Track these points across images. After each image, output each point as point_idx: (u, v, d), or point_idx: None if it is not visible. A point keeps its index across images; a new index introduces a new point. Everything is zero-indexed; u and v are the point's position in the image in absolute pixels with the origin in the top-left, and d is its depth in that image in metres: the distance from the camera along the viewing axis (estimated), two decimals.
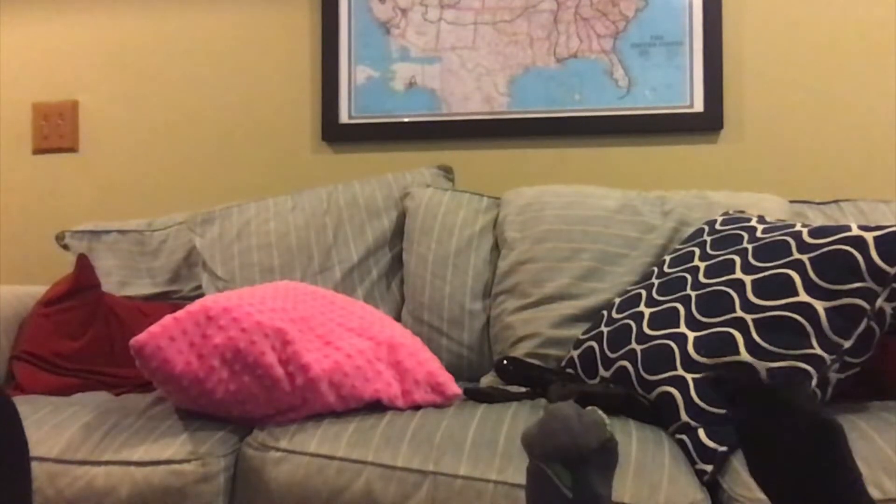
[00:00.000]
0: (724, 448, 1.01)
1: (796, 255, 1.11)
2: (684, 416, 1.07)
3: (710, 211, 1.50)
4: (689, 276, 1.25)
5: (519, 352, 1.45)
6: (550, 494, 0.67)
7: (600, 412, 0.70)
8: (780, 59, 1.83)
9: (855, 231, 1.08)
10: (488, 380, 1.46)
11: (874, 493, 0.91)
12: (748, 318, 1.09)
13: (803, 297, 1.06)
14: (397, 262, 1.69)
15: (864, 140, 1.80)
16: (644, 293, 1.32)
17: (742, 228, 1.28)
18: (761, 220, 1.31)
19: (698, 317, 1.15)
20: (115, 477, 1.05)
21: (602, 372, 1.28)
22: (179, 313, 1.11)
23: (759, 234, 1.23)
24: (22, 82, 2.14)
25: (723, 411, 1.04)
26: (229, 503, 1.08)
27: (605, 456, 0.70)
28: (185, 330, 1.09)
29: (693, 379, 1.09)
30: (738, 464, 0.99)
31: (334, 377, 1.11)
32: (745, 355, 1.06)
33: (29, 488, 0.86)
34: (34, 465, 1.01)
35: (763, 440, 0.73)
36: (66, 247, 1.84)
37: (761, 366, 1.05)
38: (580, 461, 0.67)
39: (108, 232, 1.84)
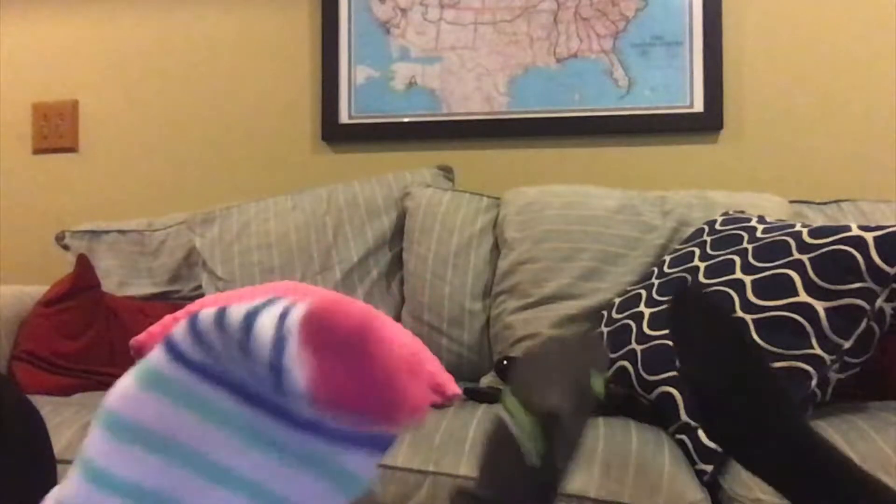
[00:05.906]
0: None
1: (796, 256, 1.11)
2: (684, 416, 1.07)
3: (710, 211, 1.50)
4: (689, 277, 1.25)
5: (519, 352, 1.45)
6: (511, 458, 0.68)
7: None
8: (780, 59, 1.83)
9: (855, 231, 1.08)
10: (488, 380, 1.46)
11: None
12: (748, 318, 1.09)
13: (803, 297, 1.06)
14: (397, 262, 1.69)
15: (864, 140, 1.80)
16: (644, 293, 1.31)
17: (742, 228, 1.28)
18: (761, 220, 1.31)
19: None
20: None
21: None
22: (179, 313, 1.11)
23: (759, 234, 1.23)
24: (22, 82, 2.14)
25: None
26: None
27: (585, 405, 0.74)
28: None
29: None
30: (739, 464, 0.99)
31: None
32: None
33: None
34: None
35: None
36: (66, 247, 1.84)
37: None
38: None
39: (108, 232, 1.84)
